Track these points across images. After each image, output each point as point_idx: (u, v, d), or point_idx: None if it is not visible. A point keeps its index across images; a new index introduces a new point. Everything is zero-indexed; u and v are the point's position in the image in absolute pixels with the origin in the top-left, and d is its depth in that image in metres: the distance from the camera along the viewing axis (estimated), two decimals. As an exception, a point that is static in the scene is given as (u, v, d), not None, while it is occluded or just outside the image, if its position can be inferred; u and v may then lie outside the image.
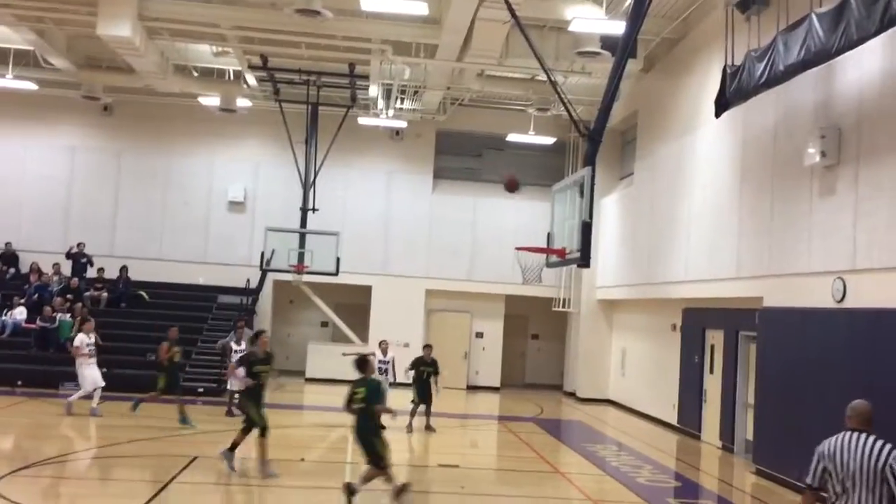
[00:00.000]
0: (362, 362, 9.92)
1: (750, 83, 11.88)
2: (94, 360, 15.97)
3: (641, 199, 20.46)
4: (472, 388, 25.04)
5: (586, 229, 11.09)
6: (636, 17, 11.60)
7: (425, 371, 16.62)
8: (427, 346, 17.51)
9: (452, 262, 24.84)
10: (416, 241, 24.86)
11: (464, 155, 26.22)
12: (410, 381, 16.79)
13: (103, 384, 15.94)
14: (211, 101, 22.18)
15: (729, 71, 12.69)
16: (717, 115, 13.34)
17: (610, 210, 22.93)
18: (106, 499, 10.09)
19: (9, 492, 9.60)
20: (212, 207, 24.51)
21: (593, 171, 11.36)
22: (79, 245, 23.01)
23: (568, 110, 12.15)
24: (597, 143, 11.79)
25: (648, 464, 14.29)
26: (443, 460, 13.26)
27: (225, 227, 24.39)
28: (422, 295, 24.90)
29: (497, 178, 25.73)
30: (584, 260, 11.27)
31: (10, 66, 20.64)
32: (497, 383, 25.31)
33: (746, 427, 15.09)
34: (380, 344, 17.12)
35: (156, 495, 9.84)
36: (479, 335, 25.57)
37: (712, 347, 16.90)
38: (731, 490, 13.22)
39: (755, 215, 13.95)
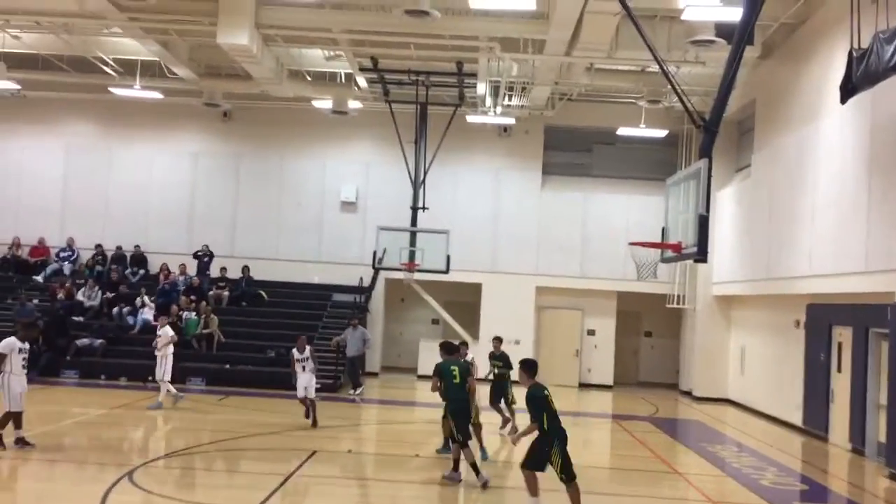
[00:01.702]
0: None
1: (879, 66, 11.23)
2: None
3: (760, 192, 19.72)
4: (584, 386, 24.75)
5: (703, 223, 10.75)
6: (753, 3, 11.17)
7: (495, 366, 15.52)
8: (497, 339, 16.11)
9: (563, 259, 24.62)
10: (525, 238, 24.76)
11: (573, 150, 25.93)
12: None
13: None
14: (323, 104, 22.74)
15: (855, 55, 12.03)
16: (843, 101, 12.67)
17: (726, 203, 22.21)
18: (232, 490, 10.49)
19: (143, 482, 10.12)
20: (325, 208, 25.12)
21: (710, 162, 11.00)
22: (203, 247, 24.09)
23: (682, 101, 11.81)
24: (713, 134, 11.41)
25: (772, 466, 13.77)
26: (557, 458, 13.11)
27: (338, 227, 24.96)
28: (532, 292, 24.78)
29: (608, 173, 25.33)
30: (701, 254, 10.94)
31: (138, 77, 21.72)
32: (610, 381, 24.93)
33: (878, 428, 14.32)
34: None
35: (279, 487, 10.15)
36: (591, 332, 25.24)
37: (840, 345, 16.13)
38: (863, 494, 12.59)
39: (885, 206, 13.22)
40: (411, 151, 23.04)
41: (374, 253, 22.52)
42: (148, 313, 22.00)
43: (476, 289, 24.79)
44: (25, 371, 11.63)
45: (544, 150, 25.41)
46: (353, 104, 22.79)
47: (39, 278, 23.53)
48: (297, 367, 15.13)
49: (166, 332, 16.78)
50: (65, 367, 20.22)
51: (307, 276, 24.36)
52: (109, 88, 22.41)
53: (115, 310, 22.22)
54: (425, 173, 23.06)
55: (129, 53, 21.03)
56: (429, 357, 24.42)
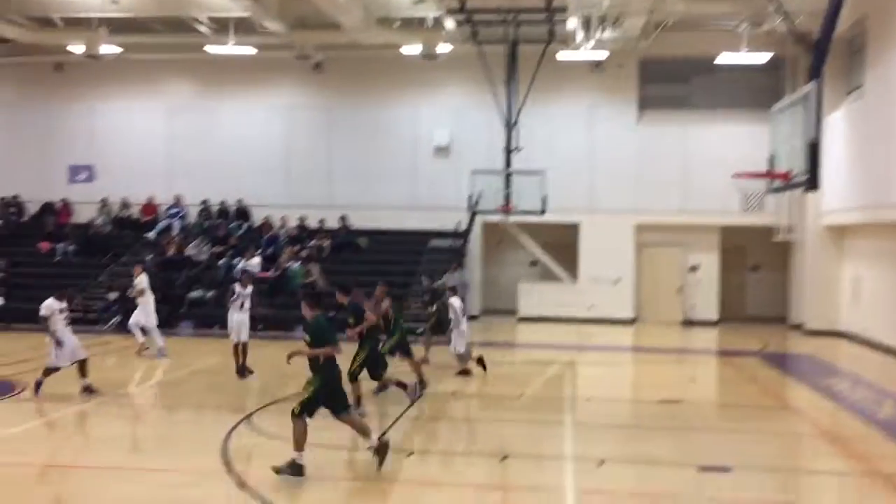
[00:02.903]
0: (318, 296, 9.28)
1: None
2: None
3: (874, 114, 18.64)
4: (688, 323, 24.32)
5: (813, 150, 10.30)
6: None
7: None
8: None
9: (662, 195, 24.02)
10: (622, 176, 24.24)
11: (670, 82, 25.06)
12: None
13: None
14: (413, 49, 22.63)
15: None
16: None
17: (837, 127, 21.09)
18: (341, 431, 10.81)
19: (260, 424, 10.56)
20: (418, 154, 25.18)
21: (819, 85, 10.47)
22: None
23: (787, 21, 11.21)
24: (823, 53, 10.83)
25: (890, 398, 13.26)
26: (663, 396, 13.01)
27: (432, 173, 25.00)
28: (631, 230, 24.35)
29: (708, 103, 24.43)
30: (812, 183, 10.51)
31: (231, 34, 22.08)
32: (715, 317, 24.42)
33: None
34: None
35: (390, 427, 10.41)
36: (694, 268, 24.68)
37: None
38: None
39: None
40: (503, 93, 22.76)
41: (470, 197, 22.51)
42: (253, 266, 22.70)
43: (573, 229, 24.53)
44: (69, 328, 12.24)
45: (640, 84, 24.67)
46: (443, 48, 22.59)
47: (151, 235, 24.53)
48: (235, 305, 14.45)
49: (141, 280, 16.76)
50: (181, 319, 21.16)
51: (404, 223, 24.58)
52: (205, 48, 22.87)
53: (223, 262, 23.02)
54: (517, 114, 22.78)
55: (222, 11, 21.36)
56: (528, 299, 24.53)
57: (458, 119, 25.03)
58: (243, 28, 22.27)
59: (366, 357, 11.35)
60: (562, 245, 24.98)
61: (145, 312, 16.64)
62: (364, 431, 8.50)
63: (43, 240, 24.38)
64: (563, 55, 22.61)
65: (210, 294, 21.63)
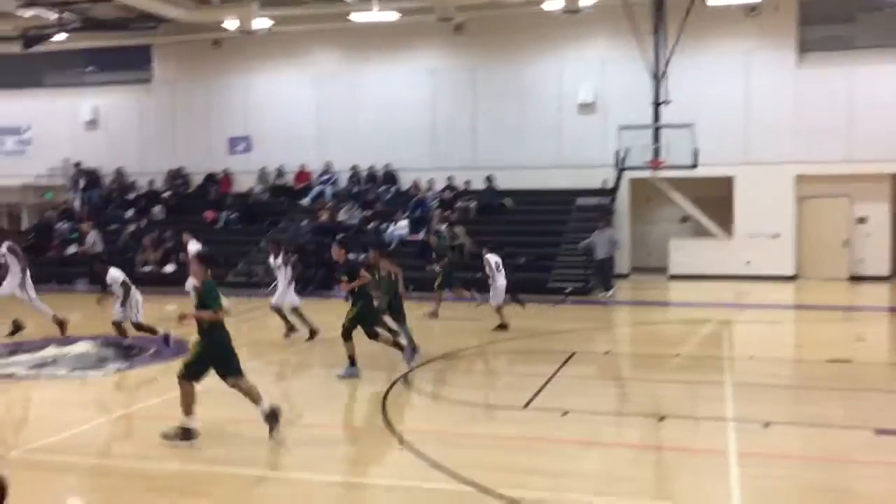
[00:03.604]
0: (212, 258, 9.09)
1: None
2: None
3: None
4: (856, 279, 22.89)
5: None
6: None
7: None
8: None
9: (825, 144, 22.57)
10: (780, 124, 22.94)
11: (832, 22, 23.39)
12: None
13: None
14: (554, 5, 22.16)
15: None
16: None
17: None
18: (499, 390, 10.94)
19: (416, 383, 10.82)
20: (563, 111, 24.77)
21: None
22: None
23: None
24: None
25: None
26: (832, 355, 12.34)
27: (577, 130, 24.54)
28: (790, 181, 23.08)
29: (875, 42, 22.63)
30: None
31: (375, 1, 22.36)
32: (886, 272, 22.86)
33: None
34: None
35: (543, 387, 10.41)
36: (862, 220, 23.14)
37: None
38: None
39: None
40: (649, 44, 21.97)
41: (616, 153, 21.99)
42: (402, 228, 23.20)
43: (727, 182, 23.51)
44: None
45: (799, 26, 23.16)
46: (585, 1, 22.00)
47: (305, 202, 25.49)
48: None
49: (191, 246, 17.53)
50: (336, 282, 21.89)
51: (550, 182, 24.32)
52: (349, 16, 23.30)
53: (372, 226, 23.63)
54: (666, 65, 21.94)
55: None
56: (680, 256, 23.80)
57: (603, 74, 24.39)
58: (386, -6, 22.53)
59: (356, 314, 11.32)
60: (714, 200, 24.02)
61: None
62: (254, 397, 8.34)
63: (207, 209, 25.84)
64: (713, 0, 21.53)
65: (362, 257, 22.24)
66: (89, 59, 28.76)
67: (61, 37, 25.68)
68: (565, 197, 24.00)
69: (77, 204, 27.14)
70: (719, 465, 7.42)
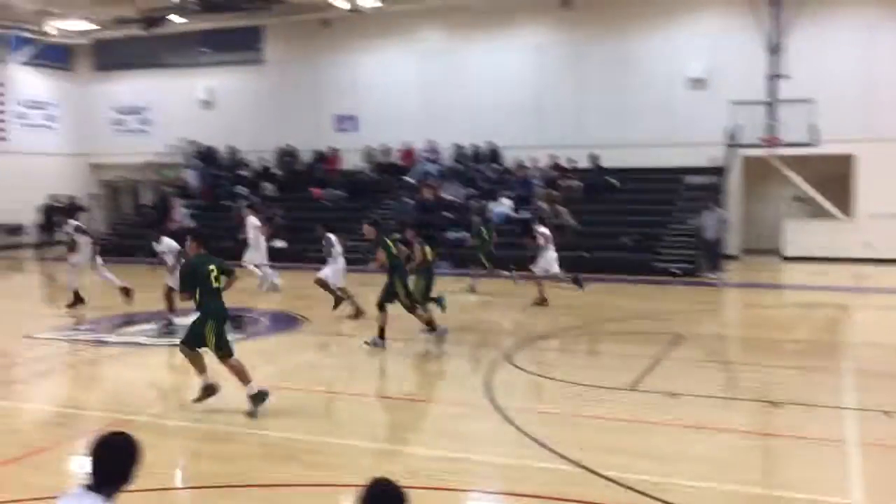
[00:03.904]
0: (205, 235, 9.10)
1: None
2: None
3: None
4: None
5: None
6: None
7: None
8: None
9: (956, 119, 21.23)
10: (907, 99, 21.69)
11: (968, -12, 21.88)
12: None
13: None
14: (666, -24, 21.54)
15: None
16: None
17: None
18: (604, 371, 10.82)
19: (520, 362, 10.83)
20: (673, 87, 24.11)
21: None
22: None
23: None
24: None
25: None
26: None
27: (687, 106, 23.85)
28: (919, 159, 21.84)
29: None
30: None
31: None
32: None
33: None
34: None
35: (649, 369, 10.25)
36: None
37: None
38: None
39: None
40: (765, 16, 21.09)
41: (728, 130, 21.27)
42: (506, 207, 23.14)
43: (846, 160, 22.42)
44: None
45: (929, -6, 21.79)
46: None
47: (410, 179, 25.75)
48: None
49: (250, 221, 17.86)
50: (440, 259, 22.05)
51: (658, 160, 23.75)
52: (455, -7, 23.32)
53: (477, 204, 23.66)
54: (782, 38, 21.02)
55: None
56: (795, 237, 22.90)
57: (715, 48, 23.58)
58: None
59: (390, 288, 11.45)
60: (832, 179, 22.97)
61: (258, 251, 17.79)
62: (201, 373, 8.53)
63: (315, 186, 26.46)
64: (837, -31, 20.48)
65: (467, 235, 22.35)
66: (205, 40, 29.78)
67: (180, 19, 26.72)
68: (673, 175, 23.41)
69: (192, 180, 28.23)
70: (836, 454, 7.16)
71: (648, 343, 12.10)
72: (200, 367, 8.54)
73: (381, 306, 11.61)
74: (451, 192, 24.41)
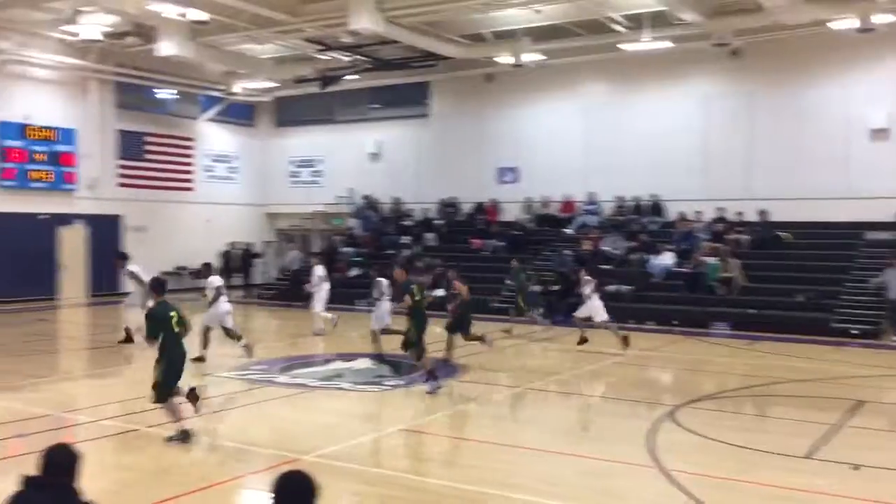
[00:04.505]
0: (160, 282, 9.83)
1: None
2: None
3: None
4: None
5: None
6: None
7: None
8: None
9: None
10: None
11: None
12: None
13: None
14: (845, 24, 20.58)
15: None
16: None
17: None
18: (775, 435, 10.25)
19: (684, 421, 10.44)
20: (851, 137, 22.80)
21: None
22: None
23: None
24: None
25: None
26: None
27: (867, 157, 22.46)
28: None
29: None
30: None
31: (646, 30, 22.15)
32: None
33: None
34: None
35: (827, 436, 9.61)
36: None
37: None
38: None
39: None
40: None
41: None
42: (667, 260, 22.57)
43: None
44: (226, 299, 15.05)
45: None
46: (880, 18, 20.20)
47: (569, 231, 25.66)
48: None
49: (316, 271, 19.10)
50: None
51: (833, 215, 22.47)
52: (618, 45, 23.27)
53: (637, 257, 23.23)
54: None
55: (637, 7, 21.56)
56: None
57: (899, 96, 22.20)
58: (658, 22, 22.21)
59: (412, 330, 12.30)
60: None
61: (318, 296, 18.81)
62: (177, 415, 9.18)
63: (475, 236, 26.87)
64: None
65: (626, 289, 21.96)
66: (374, 96, 31.20)
67: (353, 77, 28.20)
68: (851, 230, 22.06)
69: (359, 230, 29.40)
70: None
71: (825, 408, 11.37)
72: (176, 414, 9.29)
73: (418, 353, 12.27)
74: (611, 245, 24.10)
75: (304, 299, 20.26)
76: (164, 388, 9.13)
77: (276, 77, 29.06)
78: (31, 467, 4.05)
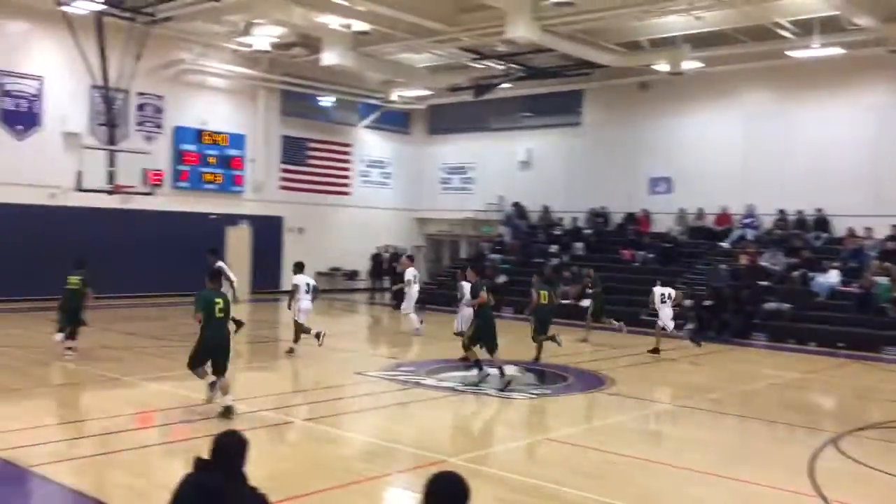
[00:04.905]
0: (214, 273, 11.43)
1: None
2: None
3: None
4: None
5: None
6: None
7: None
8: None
9: None
10: None
11: None
12: None
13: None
14: None
15: None
16: None
17: None
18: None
19: (849, 450, 9.82)
20: None
21: None
22: None
23: None
24: None
25: None
26: None
27: None
28: None
29: None
30: None
31: (816, 36, 21.06)
32: None
33: None
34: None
35: None
36: None
37: None
38: None
39: None
40: None
41: None
42: (832, 278, 21.31)
43: None
44: (310, 298, 15.77)
45: None
46: None
47: (725, 244, 24.71)
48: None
49: (407, 273, 20.07)
50: (754, 330, 20.86)
51: None
52: (785, 52, 22.24)
53: (799, 274, 22.06)
54: None
55: (807, 12, 20.52)
56: None
57: None
58: (829, 27, 21.07)
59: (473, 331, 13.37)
60: None
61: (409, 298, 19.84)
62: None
63: (625, 247, 26.37)
64: None
65: (786, 307, 20.91)
66: (526, 104, 31.23)
67: (506, 85, 28.39)
68: None
69: (508, 237, 29.51)
70: None
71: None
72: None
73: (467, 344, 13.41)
74: (770, 260, 23.00)
75: (398, 299, 21.84)
76: (194, 360, 10.58)
77: (431, 85, 29.68)
78: (198, 451, 4.32)
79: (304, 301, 15.74)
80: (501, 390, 12.57)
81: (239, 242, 27.47)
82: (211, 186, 27.64)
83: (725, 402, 13.06)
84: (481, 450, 9.26)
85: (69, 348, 14.13)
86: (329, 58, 24.58)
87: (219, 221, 27.28)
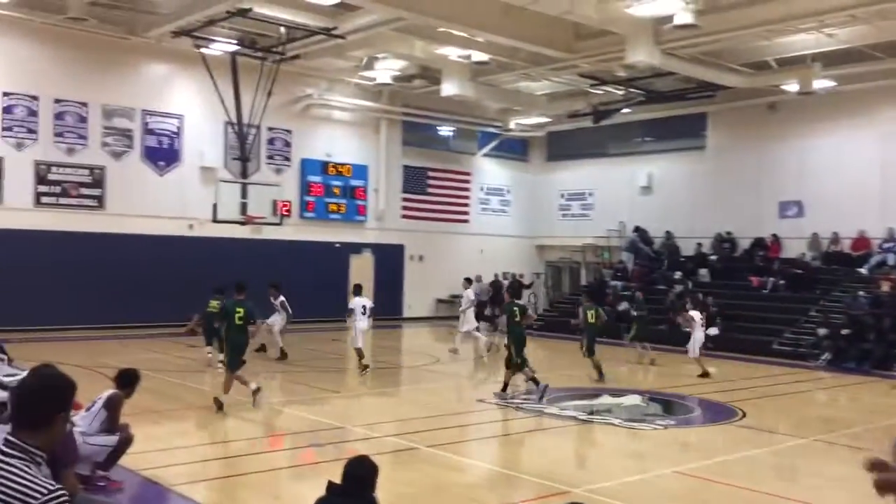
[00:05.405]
0: (241, 285, 12.86)
1: None
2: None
3: None
4: None
5: None
6: None
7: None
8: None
9: None
10: None
11: None
12: None
13: None
14: None
15: None
16: None
17: None
18: None
19: None
20: None
21: None
22: None
23: None
24: None
25: None
26: None
27: None
28: None
29: None
30: None
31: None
32: None
33: None
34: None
35: None
36: None
37: None
38: None
39: None
40: None
41: None
42: None
43: None
44: (367, 318, 16.62)
45: None
46: None
47: (863, 270, 23.45)
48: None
49: (467, 294, 20.77)
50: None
51: None
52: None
53: (947, 302, 20.66)
54: None
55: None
56: None
57: None
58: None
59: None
60: None
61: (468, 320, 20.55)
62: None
63: (753, 274, 25.42)
64: None
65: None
66: (647, 129, 30.74)
67: (626, 110, 28.08)
68: None
69: (630, 263, 28.98)
70: None
71: None
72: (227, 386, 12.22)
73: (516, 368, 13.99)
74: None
75: (489, 321, 22.27)
76: (231, 363, 12.11)
77: (549, 112, 29.70)
78: (326, 474, 4.46)
79: (361, 322, 16.56)
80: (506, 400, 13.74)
81: (362, 270, 28.15)
82: (335, 216, 28.50)
83: (866, 437, 12.35)
84: (606, 481, 9.09)
85: (222, 362, 14.73)
86: (448, 88, 25.01)
87: (343, 249, 28.06)
